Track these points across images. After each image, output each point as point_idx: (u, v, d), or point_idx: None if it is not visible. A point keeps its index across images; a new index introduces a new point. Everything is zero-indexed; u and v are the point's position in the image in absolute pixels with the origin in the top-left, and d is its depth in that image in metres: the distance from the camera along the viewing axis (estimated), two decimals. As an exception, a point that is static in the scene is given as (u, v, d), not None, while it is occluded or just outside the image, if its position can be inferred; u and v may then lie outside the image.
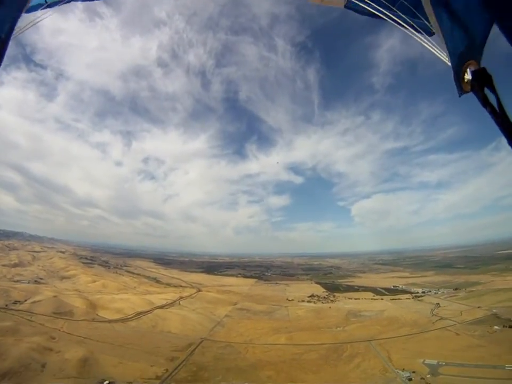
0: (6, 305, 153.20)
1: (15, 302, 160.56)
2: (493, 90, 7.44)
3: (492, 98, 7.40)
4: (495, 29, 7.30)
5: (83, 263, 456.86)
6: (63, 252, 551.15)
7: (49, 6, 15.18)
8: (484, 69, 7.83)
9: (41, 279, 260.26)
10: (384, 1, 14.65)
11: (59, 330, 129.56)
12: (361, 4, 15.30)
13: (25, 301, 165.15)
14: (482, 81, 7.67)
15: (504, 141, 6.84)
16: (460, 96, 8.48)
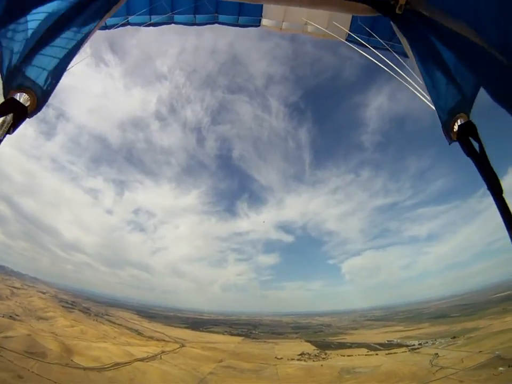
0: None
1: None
2: (477, 140, 8.35)
3: (476, 147, 8.42)
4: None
5: (63, 306, 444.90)
6: (43, 293, 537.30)
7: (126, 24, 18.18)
8: (470, 121, 8.68)
9: (17, 315, 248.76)
10: (381, 39, 16.74)
11: (28, 370, 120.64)
12: (359, 40, 17.65)
13: None
14: (468, 132, 8.51)
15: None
16: (449, 144, 9.15)
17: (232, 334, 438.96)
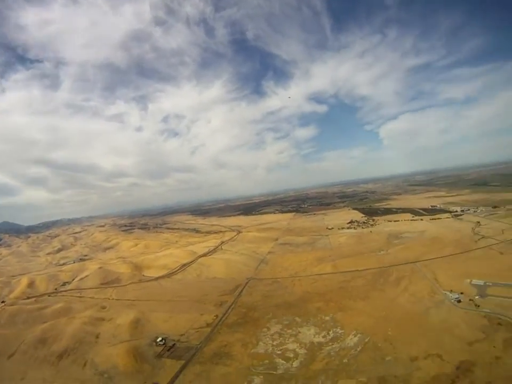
0: (56, 289, 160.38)
1: (64, 284, 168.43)
2: None
3: None
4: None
5: (123, 230, 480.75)
6: (102, 226, 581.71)
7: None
8: None
9: (85, 256, 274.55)
10: None
11: (108, 299, 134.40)
12: None
13: (73, 280, 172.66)
14: None
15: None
16: None
17: (283, 212, 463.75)
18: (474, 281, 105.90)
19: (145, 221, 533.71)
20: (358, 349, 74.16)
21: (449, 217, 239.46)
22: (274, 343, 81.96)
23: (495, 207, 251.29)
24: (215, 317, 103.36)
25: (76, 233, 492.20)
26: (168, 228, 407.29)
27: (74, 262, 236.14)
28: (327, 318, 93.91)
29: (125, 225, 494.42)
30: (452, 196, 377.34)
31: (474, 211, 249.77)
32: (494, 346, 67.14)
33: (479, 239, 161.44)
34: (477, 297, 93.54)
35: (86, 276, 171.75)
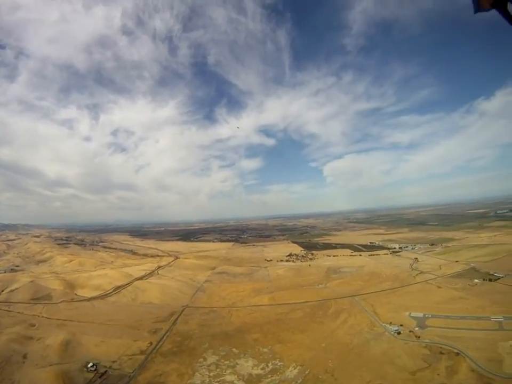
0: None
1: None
2: None
3: None
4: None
5: (58, 244, 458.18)
6: (38, 236, 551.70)
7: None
8: None
9: (17, 266, 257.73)
10: None
11: (38, 316, 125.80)
12: None
13: (2, 291, 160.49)
14: None
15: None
16: (475, 13, 7.84)
17: (222, 241, 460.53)
18: (414, 314, 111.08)
19: (82, 236, 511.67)
20: (299, 381, 74.18)
21: (387, 254, 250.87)
22: (211, 374, 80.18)
23: (432, 244, 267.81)
24: (149, 344, 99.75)
25: (10, 240, 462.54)
26: (105, 247, 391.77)
27: (5, 272, 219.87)
28: (266, 349, 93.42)
29: (61, 239, 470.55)
30: (390, 233, 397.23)
31: (413, 248, 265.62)
32: (437, 374, 70.13)
33: (417, 274, 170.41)
34: (417, 328, 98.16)
35: (16, 289, 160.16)
